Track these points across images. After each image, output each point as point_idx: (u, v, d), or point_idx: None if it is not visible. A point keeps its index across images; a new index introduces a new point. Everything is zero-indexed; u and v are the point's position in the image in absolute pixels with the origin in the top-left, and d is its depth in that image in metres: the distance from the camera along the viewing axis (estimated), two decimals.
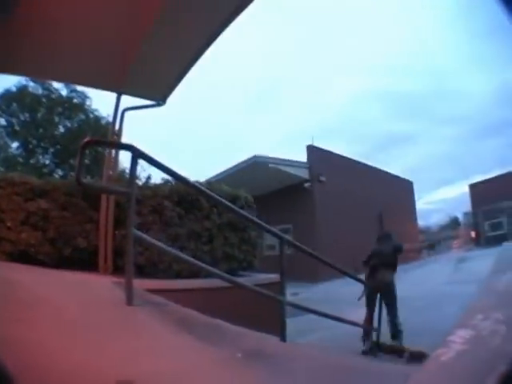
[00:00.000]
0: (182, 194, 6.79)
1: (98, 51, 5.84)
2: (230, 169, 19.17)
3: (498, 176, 35.77)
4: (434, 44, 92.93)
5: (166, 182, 7.45)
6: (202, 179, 18.67)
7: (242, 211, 5.10)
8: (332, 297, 12.68)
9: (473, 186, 39.02)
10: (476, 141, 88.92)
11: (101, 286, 4.67)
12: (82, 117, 19.49)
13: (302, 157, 21.34)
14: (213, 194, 4.59)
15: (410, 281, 15.55)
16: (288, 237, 4.67)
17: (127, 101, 7.21)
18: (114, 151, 7.14)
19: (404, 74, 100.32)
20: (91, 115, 19.48)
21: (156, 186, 7.19)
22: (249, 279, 7.06)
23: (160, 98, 7.19)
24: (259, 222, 5.11)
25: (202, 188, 4.72)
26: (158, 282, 5.46)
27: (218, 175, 19.47)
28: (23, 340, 1.99)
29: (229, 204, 4.81)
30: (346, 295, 12.37)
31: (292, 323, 5.70)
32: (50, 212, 6.78)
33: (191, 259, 4.43)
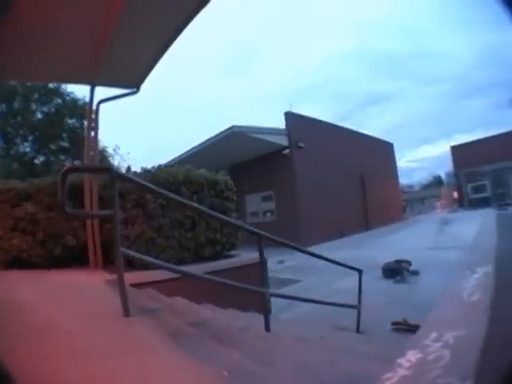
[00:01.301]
0: (162, 184, 6.93)
1: (69, 46, 5.83)
2: (209, 139, 19.23)
3: (480, 139, 36.80)
4: (416, 4, 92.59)
5: (146, 171, 7.61)
6: (183, 151, 18.94)
7: (200, 207, 5.05)
8: (317, 264, 12.98)
9: (454, 148, 39.67)
10: (458, 100, 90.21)
11: (95, 289, 4.81)
12: (59, 101, 19.65)
13: (282, 120, 21.44)
14: (183, 199, 4.68)
15: (395, 245, 15.88)
16: (263, 232, 4.75)
17: (101, 90, 7.29)
18: (92, 131, 7.24)
19: (385, 34, 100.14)
20: (67, 98, 19.58)
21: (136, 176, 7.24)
22: (233, 261, 7.37)
23: (134, 86, 7.20)
24: (220, 216, 5.26)
25: (178, 198, 4.78)
26: (146, 274, 5.59)
27: (197, 146, 20.02)
28: (38, 373, 2.16)
29: (189, 202, 4.98)
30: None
31: (276, 298, 5.95)
32: (37, 215, 6.97)
33: (165, 264, 4.51)
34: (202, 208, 4.92)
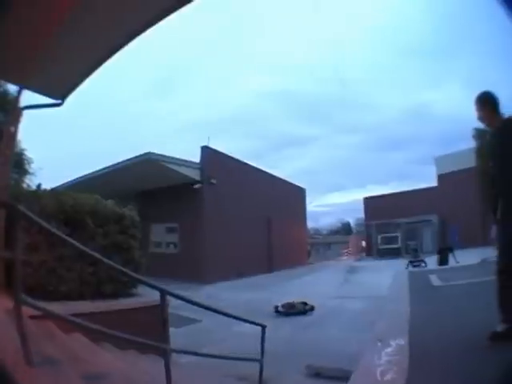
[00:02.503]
0: (68, 213, 6.66)
1: (6, 38, 5.46)
2: (123, 162, 18.58)
3: (395, 193, 39.53)
4: (350, 53, 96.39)
5: (54, 192, 7.33)
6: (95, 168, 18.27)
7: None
8: (216, 304, 12.75)
9: (368, 199, 41.74)
10: (377, 152, 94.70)
11: None
12: None
13: (197, 152, 21.37)
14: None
15: (298, 290, 15.97)
16: (167, 289, 4.44)
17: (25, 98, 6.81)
18: (12, 127, 6.72)
19: (312, 78, 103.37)
20: (0, 89, 18.57)
21: (44, 200, 6.86)
22: (135, 301, 7.21)
23: (60, 97, 6.87)
24: (123, 269, 4.97)
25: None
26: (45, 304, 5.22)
27: (110, 166, 19.31)
28: None
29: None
30: (231, 302, 12.63)
31: (180, 337, 5.62)
32: None
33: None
34: (96, 255, 4.57)
